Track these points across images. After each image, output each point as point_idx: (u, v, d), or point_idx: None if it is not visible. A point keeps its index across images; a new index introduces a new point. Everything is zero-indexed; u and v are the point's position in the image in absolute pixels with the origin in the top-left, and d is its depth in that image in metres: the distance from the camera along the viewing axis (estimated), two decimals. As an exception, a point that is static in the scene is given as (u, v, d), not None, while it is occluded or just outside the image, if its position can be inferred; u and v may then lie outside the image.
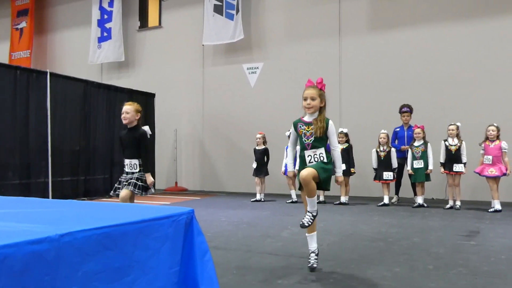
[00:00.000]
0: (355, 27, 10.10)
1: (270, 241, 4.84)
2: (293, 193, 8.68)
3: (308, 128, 3.65)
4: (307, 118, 3.71)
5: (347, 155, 8.19)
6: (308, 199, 3.57)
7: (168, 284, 1.77)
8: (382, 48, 9.78)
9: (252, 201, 8.86)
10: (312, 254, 3.65)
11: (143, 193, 4.71)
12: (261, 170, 8.96)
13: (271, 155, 9.05)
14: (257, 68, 11.13)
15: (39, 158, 8.70)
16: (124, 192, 4.61)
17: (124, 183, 4.69)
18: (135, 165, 4.69)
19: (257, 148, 9.04)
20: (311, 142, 3.62)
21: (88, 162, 9.85)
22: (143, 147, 4.74)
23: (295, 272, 3.55)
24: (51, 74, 9.02)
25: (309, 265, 3.61)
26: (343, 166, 7.99)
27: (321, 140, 3.62)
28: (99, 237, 1.52)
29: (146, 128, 4.91)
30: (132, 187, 4.61)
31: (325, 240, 4.84)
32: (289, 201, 8.61)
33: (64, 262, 1.40)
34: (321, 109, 3.67)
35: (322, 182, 3.54)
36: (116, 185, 4.82)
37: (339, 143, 8.19)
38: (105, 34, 12.95)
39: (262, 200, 8.89)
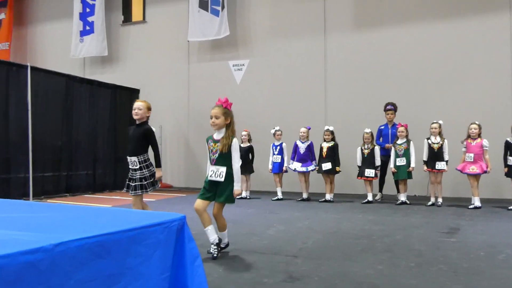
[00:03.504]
0: (340, 24, 10.16)
1: (256, 239, 4.86)
2: (279, 191, 8.73)
3: (215, 145, 4.01)
4: (216, 136, 4.06)
5: (333, 153, 8.25)
6: (220, 233, 4.13)
7: (160, 290, 1.78)
8: (367, 46, 9.86)
9: (237, 198, 8.84)
10: (212, 245, 4.03)
11: (150, 189, 4.87)
12: (246, 167, 8.95)
13: (256, 152, 9.06)
14: (243, 65, 11.12)
15: (19, 153, 8.56)
16: (132, 200, 4.91)
17: (131, 184, 4.85)
18: (135, 162, 4.79)
19: (242, 145, 9.02)
20: (215, 158, 3.98)
21: (71, 158, 9.72)
22: (153, 142, 4.93)
23: (280, 270, 3.58)
24: (31, 68, 8.86)
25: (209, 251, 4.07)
26: (329, 165, 8.11)
27: (225, 158, 3.95)
28: (92, 245, 1.53)
29: (153, 129, 5.12)
30: (138, 190, 4.78)
31: (310, 237, 4.90)
32: (275, 198, 8.64)
33: (57, 271, 1.40)
34: (227, 127, 4.01)
35: (230, 200, 4.01)
36: (127, 181, 4.95)
37: (325, 141, 8.35)
38: (88, 27, 12.75)
39: (247, 197, 8.91)
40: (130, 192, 4.82)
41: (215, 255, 3.96)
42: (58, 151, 9.43)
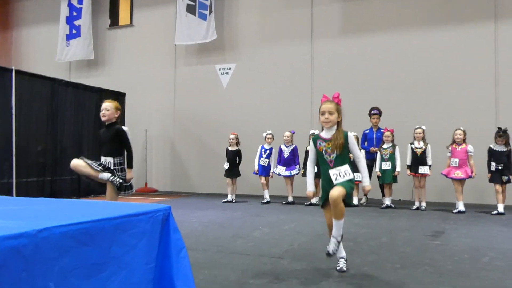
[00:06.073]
0: (327, 31, 10.27)
1: (242, 241, 4.85)
2: (267, 193, 8.73)
3: (328, 145, 3.56)
4: (325, 134, 3.62)
5: (318, 157, 8.29)
6: (335, 221, 3.47)
7: (144, 280, 1.77)
8: (353, 52, 9.97)
9: (224, 202, 8.85)
10: (342, 259, 3.63)
11: (126, 193, 4.78)
12: (233, 171, 8.96)
13: (243, 155, 9.07)
14: (230, 69, 11.15)
15: (2, 158, 8.41)
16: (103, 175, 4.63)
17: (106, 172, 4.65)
18: (109, 163, 4.70)
19: (229, 148, 9.03)
20: (333, 159, 3.54)
21: (55, 163, 9.58)
22: (125, 142, 4.77)
23: (266, 271, 3.57)
24: (16, 71, 8.73)
25: (338, 268, 3.60)
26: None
27: (344, 155, 3.54)
28: (76, 232, 1.51)
29: (125, 128, 4.95)
30: (115, 179, 4.64)
31: (296, 240, 4.91)
32: (264, 201, 8.64)
33: (41, 258, 1.38)
34: (339, 124, 3.62)
35: (347, 198, 3.48)
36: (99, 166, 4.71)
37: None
38: (74, 31, 12.66)
39: (234, 201, 8.90)
40: (109, 181, 4.67)
41: (344, 268, 3.57)
42: (42, 156, 9.29)
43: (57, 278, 1.44)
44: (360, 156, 3.65)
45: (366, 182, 3.65)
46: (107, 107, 4.76)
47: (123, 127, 4.90)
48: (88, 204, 2.15)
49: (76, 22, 12.62)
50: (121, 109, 4.95)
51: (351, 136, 3.59)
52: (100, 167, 4.66)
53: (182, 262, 1.88)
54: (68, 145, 9.91)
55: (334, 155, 3.53)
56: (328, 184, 3.56)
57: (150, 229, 1.82)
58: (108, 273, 1.65)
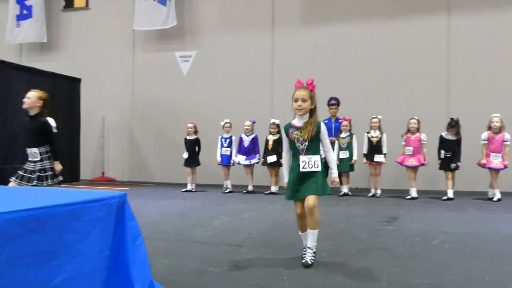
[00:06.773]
0: (288, 19, 10.31)
1: (201, 230, 4.83)
2: (229, 183, 8.75)
3: (300, 133, 3.51)
4: (297, 122, 3.56)
5: (278, 146, 8.35)
6: (310, 232, 3.46)
7: (98, 268, 1.73)
8: (314, 42, 10.07)
9: (183, 191, 8.77)
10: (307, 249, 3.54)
11: (47, 182, 4.66)
12: (193, 160, 8.89)
13: (202, 145, 9.00)
14: (190, 56, 10.99)
15: None
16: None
17: (29, 175, 4.60)
18: (35, 153, 4.61)
19: (188, 138, 8.94)
20: (305, 147, 3.49)
21: (5, 150, 9.15)
22: (48, 135, 4.69)
23: (226, 260, 3.58)
24: (-38, 53, 8.24)
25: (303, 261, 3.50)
26: (274, 157, 8.20)
27: (315, 144, 3.52)
28: (25, 219, 1.45)
29: (50, 120, 4.88)
30: (33, 182, 4.56)
31: (255, 228, 4.94)
32: (227, 191, 8.66)
33: (-15, 246, 1.30)
34: (312, 111, 3.55)
35: (325, 190, 3.48)
36: (20, 172, 4.66)
37: (270, 134, 8.43)
38: (25, 12, 12.07)
39: (193, 190, 8.84)
40: (22, 182, 4.58)
41: (310, 262, 3.43)
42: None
43: (4, 267, 1.38)
44: (330, 147, 3.62)
45: (335, 174, 3.61)
46: (29, 95, 4.67)
47: (48, 118, 4.83)
48: (39, 191, 2.07)
49: (27, 2, 12.04)
50: (47, 100, 4.80)
51: (324, 127, 3.56)
52: (28, 180, 4.60)
53: (138, 250, 1.86)
54: (19, 132, 9.46)
55: (306, 143, 3.49)
56: (297, 179, 3.51)
57: (104, 216, 1.77)
58: (60, 261, 1.60)
